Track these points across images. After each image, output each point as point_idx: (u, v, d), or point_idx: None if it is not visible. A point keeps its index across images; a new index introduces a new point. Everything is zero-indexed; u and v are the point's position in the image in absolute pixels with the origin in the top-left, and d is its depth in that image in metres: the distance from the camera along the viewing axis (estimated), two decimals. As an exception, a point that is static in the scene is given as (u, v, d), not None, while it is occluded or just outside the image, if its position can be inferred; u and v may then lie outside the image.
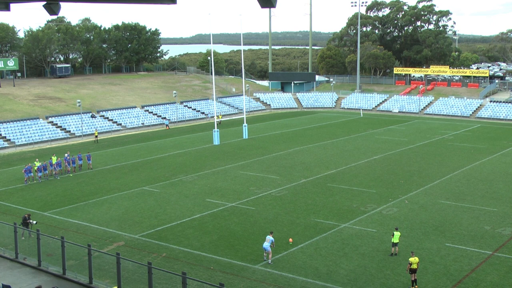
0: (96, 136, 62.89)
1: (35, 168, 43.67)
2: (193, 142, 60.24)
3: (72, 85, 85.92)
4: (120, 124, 71.95)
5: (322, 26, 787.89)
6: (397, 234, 26.82)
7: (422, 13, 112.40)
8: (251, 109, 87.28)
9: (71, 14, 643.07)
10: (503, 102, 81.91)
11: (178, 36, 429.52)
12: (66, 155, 46.67)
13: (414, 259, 23.44)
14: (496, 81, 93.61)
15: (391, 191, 38.82)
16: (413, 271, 23.37)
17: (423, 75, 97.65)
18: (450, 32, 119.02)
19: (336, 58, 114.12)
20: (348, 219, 32.39)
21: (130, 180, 42.99)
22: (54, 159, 45.41)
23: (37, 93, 78.23)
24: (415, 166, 46.88)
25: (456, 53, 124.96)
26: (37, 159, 46.31)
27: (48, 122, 66.88)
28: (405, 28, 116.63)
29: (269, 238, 26.12)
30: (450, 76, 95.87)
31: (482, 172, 44.54)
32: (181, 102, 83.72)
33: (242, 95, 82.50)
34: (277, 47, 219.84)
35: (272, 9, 67.96)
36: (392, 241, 26.88)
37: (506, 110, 79.37)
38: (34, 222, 29.92)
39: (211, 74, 72.56)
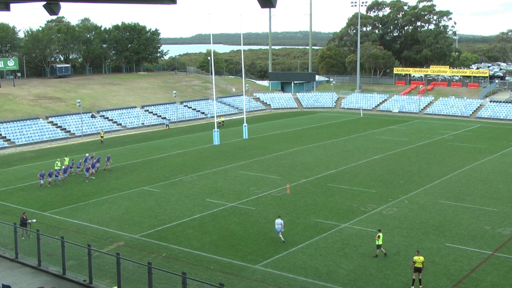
0: (102, 137, 62.74)
1: (60, 166, 43.01)
2: (193, 142, 60.25)
3: (72, 85, 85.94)
4: (120, 124, 71.95)
5: (322, 26, 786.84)
6: (380, 235, 26.58)
7: (422, 13, 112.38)
8: (251, 109, 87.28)
9: (71, 14, 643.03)
10: (503, 102, 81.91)
11: (178, 36, 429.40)
12: (88, 155, 46.17)
13: (418, 258, 23.43)
14: (496, 81, 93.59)
15: (391, 191, 38.82)
16: (417, 270, 23.36)
17: (423, 75, 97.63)
18: (450, 32, 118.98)
19: (336, 58, 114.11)
20: (348, 219, 32.39)
21: (130, 180, 43.00)
22: (66, 160, 45.25)
23: (37, 93, 78.25)
24: (415, 166, 46.88)
25: (456, 53, 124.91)
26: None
27: (48, 122, 66.89)
28: (405, 28, 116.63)
29: (279, 221, 28.68)
30: (450, 76, 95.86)
31: (482, 172, 44.54)
32: (181, 102, 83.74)
33: (242, 95, 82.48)
34: (277, 47, 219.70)
35: (272, 9, 67.94)
36: (377, 243, 26.49)
37: (506, 110, 79.38)
38: (34, 220, 29.91)
39: (211, 74, 72.54)
